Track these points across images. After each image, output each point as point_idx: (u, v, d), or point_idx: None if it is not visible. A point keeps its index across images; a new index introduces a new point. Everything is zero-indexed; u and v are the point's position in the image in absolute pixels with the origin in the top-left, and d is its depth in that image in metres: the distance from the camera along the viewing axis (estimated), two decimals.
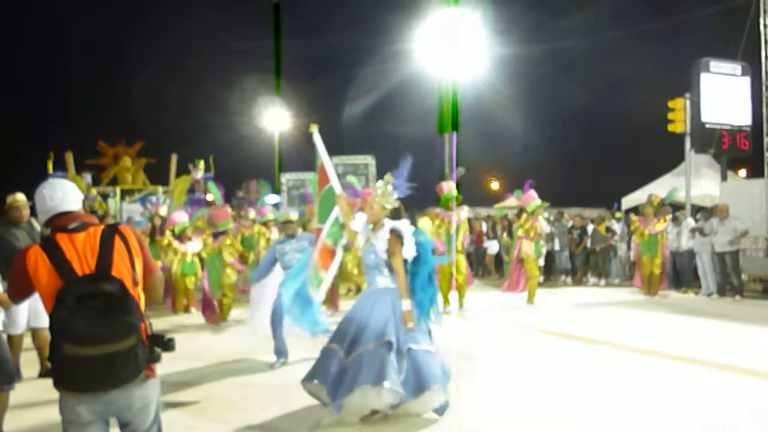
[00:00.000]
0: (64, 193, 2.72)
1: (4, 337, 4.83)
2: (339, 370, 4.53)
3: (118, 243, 2.63)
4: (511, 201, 28.89)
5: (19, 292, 2.68)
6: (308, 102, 30.01)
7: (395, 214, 4.87)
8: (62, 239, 2.59)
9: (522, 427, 4.67)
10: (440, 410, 4.69)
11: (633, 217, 12.77)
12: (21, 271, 2.58)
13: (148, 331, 2.60)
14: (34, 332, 6.17)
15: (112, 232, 2.65)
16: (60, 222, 2.67)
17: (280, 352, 6.56)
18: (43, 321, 5.62)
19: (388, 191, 4.89)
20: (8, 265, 6.17)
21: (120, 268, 2.59)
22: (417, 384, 4.45)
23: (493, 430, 4.62)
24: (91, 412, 2.55)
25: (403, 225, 4.83)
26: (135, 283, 2.63)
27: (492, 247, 17.06)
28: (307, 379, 4.71)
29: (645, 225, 12.06)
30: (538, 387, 5.68)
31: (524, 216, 11.32)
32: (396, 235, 4.72)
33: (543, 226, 11.60)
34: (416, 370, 4.48)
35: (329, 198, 5.19)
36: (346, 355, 4.55)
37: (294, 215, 6.98)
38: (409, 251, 4.73)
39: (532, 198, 11.24)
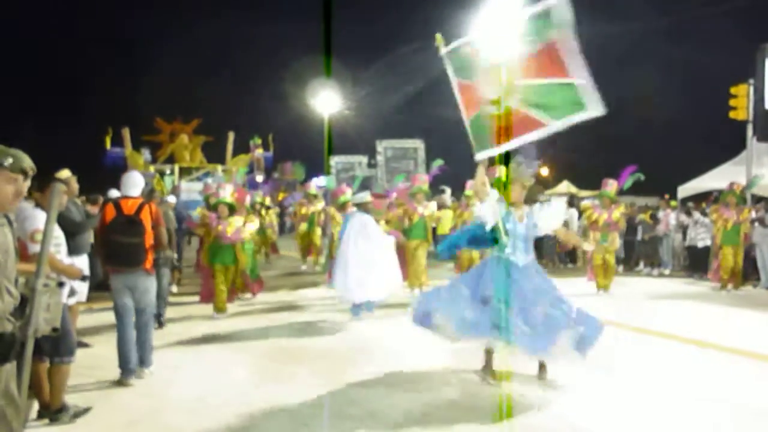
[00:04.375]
0: (133, 184, 5.59)
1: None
2: (472, 316, 5.05)
3: (145, 208, 5.45)
4: (562, 187, 28.38)
5: (99, 232, 5.56)
6: (359, 86, 30.08)
7: (531, 192, 5.32)
8: (120, 201, 5.47)
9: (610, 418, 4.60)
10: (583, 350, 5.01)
11: (713, 206, 12.02)
12: (102, 216, 5.47)
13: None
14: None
15: (144, 203, 5.49)
16: (123, 196, 5.58)
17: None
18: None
19: (521, 171, 5.38)
20: (72, 238, 6.47)
21: (144, 217, 5.40)
22: (546, 339, 4.90)
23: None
24: (121, 283, 5.38)
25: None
26: (150, 227, 5.41)
27: None
28: (436, 312, 5.20)
29: (728, 215, 11.35)
30: (609, 376, 5.56)
31: (586, 204, 10.94)
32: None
33: (607, 216, 10.60)
34: (547, 327, 4.92)
35: (481, 125, 5.05)
36: (482, 304, 5.05)
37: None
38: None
39: (606, 185, 10.74)
